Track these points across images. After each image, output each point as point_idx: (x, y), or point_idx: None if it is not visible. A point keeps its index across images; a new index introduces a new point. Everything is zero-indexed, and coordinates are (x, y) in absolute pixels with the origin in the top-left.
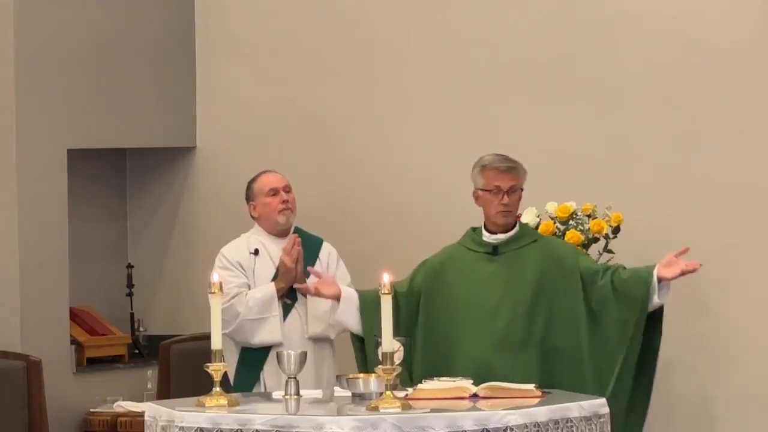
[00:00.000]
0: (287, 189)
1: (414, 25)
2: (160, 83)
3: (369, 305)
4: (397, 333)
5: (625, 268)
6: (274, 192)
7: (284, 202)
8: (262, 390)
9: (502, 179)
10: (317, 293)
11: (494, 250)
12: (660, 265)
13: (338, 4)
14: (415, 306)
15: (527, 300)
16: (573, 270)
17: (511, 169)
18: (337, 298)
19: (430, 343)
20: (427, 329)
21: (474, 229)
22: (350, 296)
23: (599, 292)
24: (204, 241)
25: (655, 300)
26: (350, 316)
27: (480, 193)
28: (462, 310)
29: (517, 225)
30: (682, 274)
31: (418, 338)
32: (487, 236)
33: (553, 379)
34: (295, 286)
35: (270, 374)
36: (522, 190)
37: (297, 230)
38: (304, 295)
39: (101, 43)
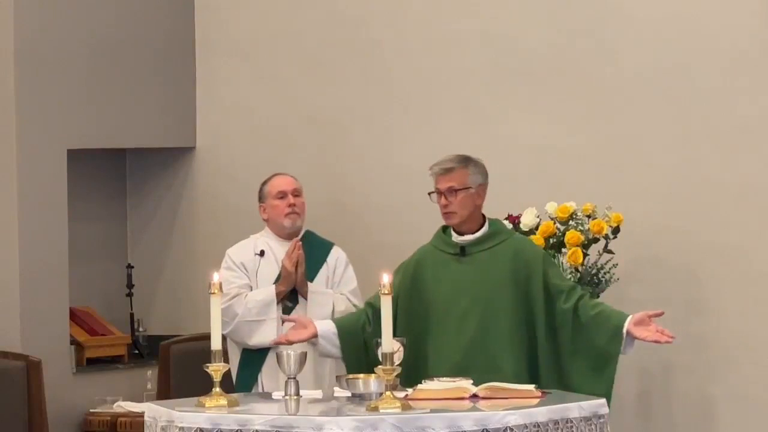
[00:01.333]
0: (296, 193)
1: (414, 25)
2: (160, 83)
3: (347, 333)
4: (377, 345)
5: (590, 298)
6: (282, 195)
7: (291, 205)
8: (260, 391)
9: (439, 182)
10: (289, 342)
11: (461, 251)
12: (632, 320)
13: (338, 4)
14: (394, 312)
15: (497, 302)
16: (539, 278)
17: (448, 170)
18: (314, 337)
19: (408, 345)
20: (406, 331)
21: (444, 230)
22: (328, 330)
23: (559, 315)
24: (204, 242)
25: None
26: (333, 349)
27: (432, 199)
28: (434, 311)
29: (486, 225)
30: (656, 342)
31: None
32: (455, 237)
33: (524, 381)
34: (271, 341)
35: (267, 376)
36: (469, 188)
37: (307, 233)
38: (305, 297)
39: (101, 43)
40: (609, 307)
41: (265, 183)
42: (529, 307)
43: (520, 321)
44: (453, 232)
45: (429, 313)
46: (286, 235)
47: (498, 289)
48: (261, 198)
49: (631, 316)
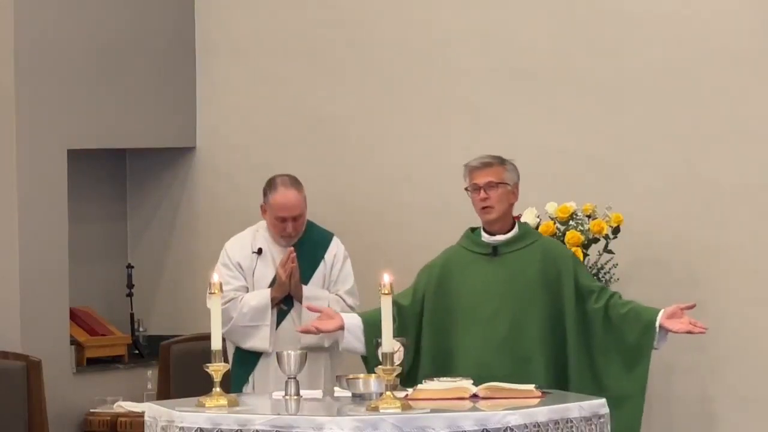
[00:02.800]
0: (296, 218)
1: (414, 25)
2: (160, 83)
3: (374, 328)
4: (377, 345)
5: (620, 297)
6: (283, 219)
7: (288, 232)
8: (251, 390)
9: (478, 176)
10: (319, 331)
11: (494, 251)
12: (664, 314)
13: (338, 4)
14: (420, 311)
15: (528, 302)
16: (569, 279)
17: (487, 165)
18: (340, 329)
19: (434, 345)
20: (431, 331)
21: (473, 230)
22: (354, 324)
23: (590, 315)
24: (204, 241)
25: (653, 346)
26: (358, 343)
27: (469, 194)
28: (463, 312)
29: (516, 226)
30: (689, 332)
31: (423, 341)
32: (486, 237)
33: (556, 382)
34: (297, 329)
35: (260, 378)
36: (507, 185)
37: (308, 225)
38: (300, 302)
39: (101, 44)
40: (640, 304)
41: (271, 187)
42: (559, 308)
43: (550, 322)
44: (483, 233)
45: (457, 313)
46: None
47: (529, 290)
48: (264, 198)
49: (663, 310)
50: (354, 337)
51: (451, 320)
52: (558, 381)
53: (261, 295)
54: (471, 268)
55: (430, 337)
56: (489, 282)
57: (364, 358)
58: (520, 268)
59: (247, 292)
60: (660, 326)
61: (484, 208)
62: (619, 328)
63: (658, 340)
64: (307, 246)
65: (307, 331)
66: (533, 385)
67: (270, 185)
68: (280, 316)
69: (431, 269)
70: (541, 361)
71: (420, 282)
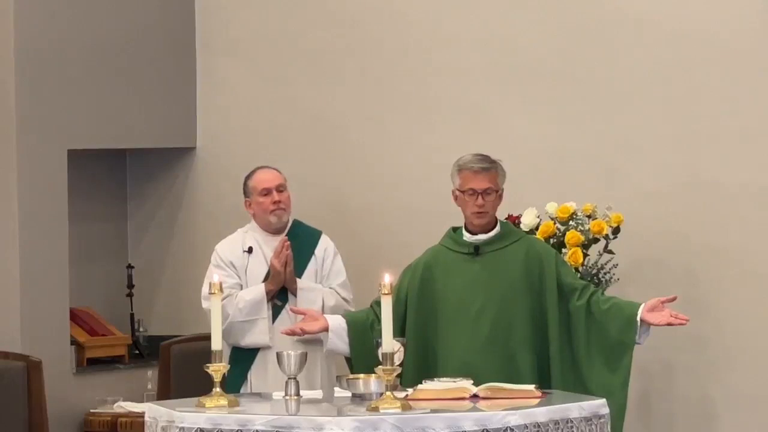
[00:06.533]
0: (281, 188)
1: (414, 25)
2: (160, 84)
3: (358, 329)
4: (377, 345)
5: (603, 293)
6: (267, 192)
7: (276, 202)
8: (249, 390)
9: (477, 182)
10: (304, 333)
11: (476, 250)
12: (645, 308)
13: (338, 4)
14: (403, 312)
15: (512, 301)
16: (552, 277)
17: (487, 170)
18: (325, 330)
19: (418, 345)
20: (415, 331)
21: (454, 229)
22: (338, 325)
23: (573, 313)
24: (204, 242)
25: (635, 341)
26: (342, 344)
27: (457, 193)
28: (447, 312)
29: (498, 225)
30: (669, 324)
31: (407, 342)
32: (467, 236)
33: (541, 380)
34: (281, 330)
35: (257, 376)
36: (499, 191)
37: (295, 223)
38: (294, 294)
39: (101, 44)
40: (622, 300)
41: (248, 178)
42: (542, 306)
43: (534, 320)
44: (465, 232)
45: (441, 313)
46: (274, 230)
47: (513, 289)
48: (246, 193)
49: (643, 304)
50: (338, 339)
51: (435, 321)
52: (543, 379)
53: (256, 290)
54: (454, 268)
55: (414, 337)
56: (472, 282)
57: (348, 360)
58: (502, 267)
59: (242, 289)
60: (642, 320)
61: (479, 212)
62: (601, 324)
63: (640, 334)
64: (296, 243)
65: (292, 333)
66: (533, 385)
67: (247, 176)
68: (275, 312)
69: (414, 270)
70: (526, 359)
71: (403, 283)
